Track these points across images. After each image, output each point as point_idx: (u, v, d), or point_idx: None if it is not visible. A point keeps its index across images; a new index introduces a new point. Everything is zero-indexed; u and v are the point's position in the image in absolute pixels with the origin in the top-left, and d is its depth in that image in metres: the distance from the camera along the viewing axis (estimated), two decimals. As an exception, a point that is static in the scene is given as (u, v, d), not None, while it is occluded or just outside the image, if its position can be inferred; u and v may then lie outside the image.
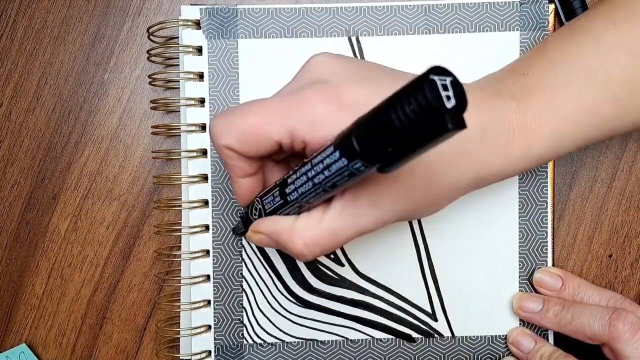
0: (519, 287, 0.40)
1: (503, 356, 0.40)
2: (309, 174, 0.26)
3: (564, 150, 0.32)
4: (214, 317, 0.40)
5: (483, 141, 0.29)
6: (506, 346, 0.40)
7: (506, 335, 0.40)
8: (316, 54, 0.30)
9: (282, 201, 0.29)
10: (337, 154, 0.24)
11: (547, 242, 0.40)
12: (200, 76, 0.39)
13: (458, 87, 0.20)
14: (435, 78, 0.20)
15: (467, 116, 0.29)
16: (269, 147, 0.28)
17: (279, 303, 0.40)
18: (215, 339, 0.40)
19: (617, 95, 0.31)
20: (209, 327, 0.40)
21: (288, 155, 0.31)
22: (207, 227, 0.39)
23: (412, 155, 0.22)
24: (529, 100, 0.31)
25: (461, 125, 0.20)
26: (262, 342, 0.40)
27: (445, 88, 0.20)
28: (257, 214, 0.32)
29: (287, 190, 0.28)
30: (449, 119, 0.20)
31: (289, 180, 0.28)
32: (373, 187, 0.27)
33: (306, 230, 0.28)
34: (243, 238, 0.39)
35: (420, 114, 0.20)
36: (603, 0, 0.34)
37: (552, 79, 0.31)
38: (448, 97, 0.20)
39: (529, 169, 0.32)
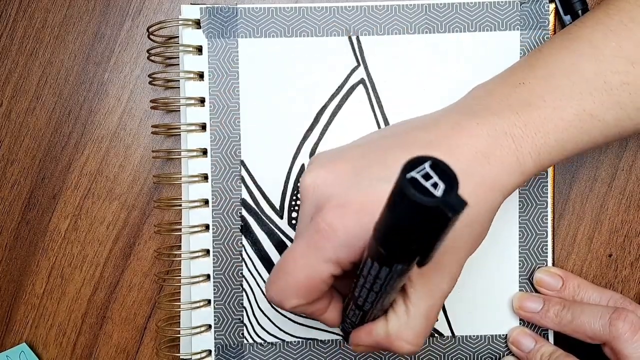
0: (519, 286, 0.40)
1: (503, 356, 0.40)
2: (367, 286, 0.26)
3: (568, 155, 0.32)
4: (214, 316, 0.40)
5: (493, 163, 0.29)
6: (506, 346, 0.40)
7: (506, 334, 0.40)
8: (303, 176, 0.30)
9: (362, 313, 0.30)
10: (376, 265, 0.24)
11: (547, 241, 0.40)
12: (201, 76, 0.39)
13: (440, 167, 0.19)
14: (413, 174, 0.19)
15: (467, 144, 0.29)
16: (328, 285, 0.29)
17: (279, 302, 0.40)
18: (215, 339, 0.40)
19: (617, 100, 0.31)
20: (209, 326, 0.40)
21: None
22: (207, 227, 0.39)
23: (437, 246, 0.21)
24: (530, 111, 0.30)
25: (461, 204, 0.19)
26: (263, 341, 0.40)
27: (427, 177, 0.19)
28: (349, 326, 0.32)
29: (359, 304, 0.29)
30: (446, 207, 0.18)
31: (356, 295, 0.28)
32: (434, 259, 0.28)
33: (403, 331, 0.29)
34: (243, 237, 0.39)
35: (417, 215, 0.19)
36: (598, 5, 0.34)
37: (551, 90, 0.31)
38: (435, 185, 0.19)
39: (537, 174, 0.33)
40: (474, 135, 0.30)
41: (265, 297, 0.30)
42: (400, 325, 0.29)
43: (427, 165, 0.19)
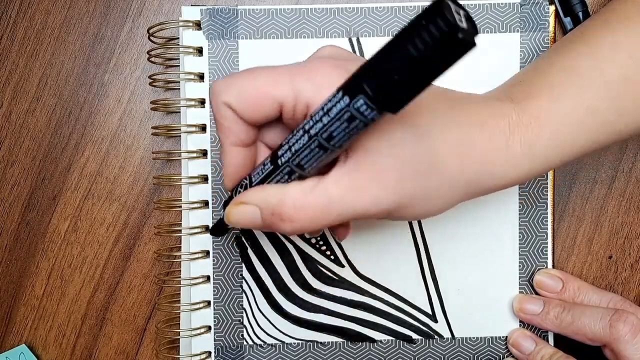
0: (519, 288, 0.40)
1: (503, 357, 0.40)
2: (306, 127, 0.25)
3: (569, 152, 0.31)
4: (214, 318, 0.40)
5: (485, 136, 0.30)
6: (506, 347, 0.40)
7: (506, 336, 0.40)
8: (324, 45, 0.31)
9: (272, 167, 0.27)
10: (339, 94, 0.24)
11: (547, 243, 0.40)
12: (201, 77, 0.39)
13: (465, 11, 0.21)
14: (450, 2, 0.20)
15: (469, 114, 0.29)
16: (270, 109, 0.27)
17: (279, 304, 0.40)
18: (215, 340, 0.40)
19: (616, 95, 0.31)
20: (209, 328, 0.40)
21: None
22: (207, 228, 0.39)
23: (422, 86, 0.22)
24: (528, 101, 0.31)
25: (472, 43, 0.20)
26: (262, 343, 0.40)
27: (457, 12, 0.21)
28: (242, 188, 0.29)
29: (280, 152, 0.27)
30: (467, 36, 0.20)
31: (283, 142, 0.27)
32: (377, 158, 0.27)
33: (298, 194, 0.26)
34: (243, 239, 0.39)
35: (440, 36, 0.20)
36: (595, 15, 0.34)
37: (551, 85, 0.31)
38: (460, 20, 0.20)
39: (535, 175, 0.32)
40: (478, 106, 0.30)
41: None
42: (300, 190, 0.26)
43: (462, 11, 0.21)
